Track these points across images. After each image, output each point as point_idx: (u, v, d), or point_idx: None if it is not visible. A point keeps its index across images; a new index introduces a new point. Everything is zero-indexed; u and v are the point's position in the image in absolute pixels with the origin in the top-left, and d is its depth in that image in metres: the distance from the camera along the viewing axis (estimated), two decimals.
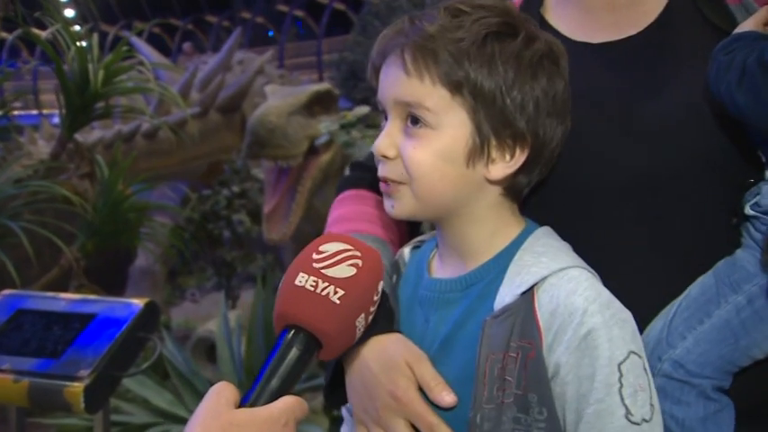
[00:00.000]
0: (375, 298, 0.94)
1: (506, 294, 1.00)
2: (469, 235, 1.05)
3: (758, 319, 1.03)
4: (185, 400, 3.21)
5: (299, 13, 18.37)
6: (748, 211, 1.05)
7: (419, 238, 1.18)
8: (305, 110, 4.06)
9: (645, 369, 0.97)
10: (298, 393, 0.89)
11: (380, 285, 0.95)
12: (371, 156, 1.33)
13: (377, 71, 1.06)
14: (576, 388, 0.96)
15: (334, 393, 1.13)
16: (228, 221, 5.15)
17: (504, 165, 1.01)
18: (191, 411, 3.26)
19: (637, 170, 1.09)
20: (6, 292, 1.86)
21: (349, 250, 0.94)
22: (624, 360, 0.95)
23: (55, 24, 2.92)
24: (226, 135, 5.26)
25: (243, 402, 0.86)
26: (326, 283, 0.90)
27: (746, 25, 1.06)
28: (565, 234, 1.07)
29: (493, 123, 0.99)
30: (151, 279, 4.86)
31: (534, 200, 1.09)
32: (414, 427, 1.03)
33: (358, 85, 9.18)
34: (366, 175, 1.30)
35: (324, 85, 4.52)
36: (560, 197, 1.10)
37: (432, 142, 1.00)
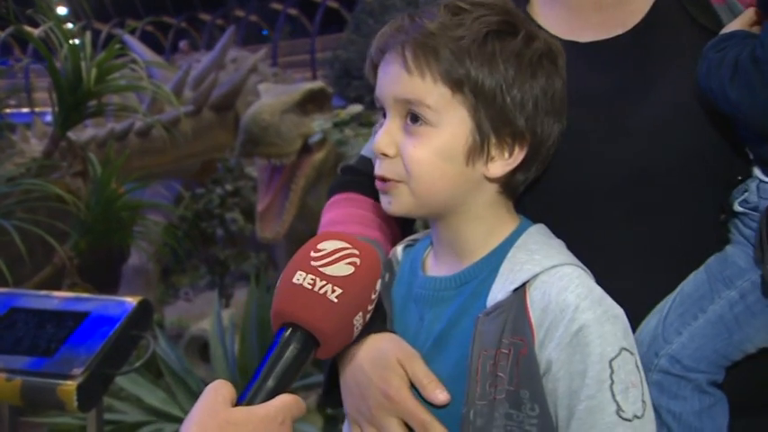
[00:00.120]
0: (373, 296, 0.95)
1: (499, 291, 1.00)
2: (465, 232, 1.05)
3: (750, 314, 1.05)
4: (178, 399, 3.21)
5: (292, 11, 18.34)
6: (737, 207, 1.07)
7: (412, 237, 1.18)
8: (298, 108, 4.05)
9: (637, 366, 0.98)
10: (291, 392, 0.89)
11: (378, 284, 0.95)
12: (361, 158, 1.34)
13: (375, 68, 1.06)
14: (567, 384, 0.96)
15: (332, 394, 1.14)
16: (222, 220, 5.14)
17: (503, 162, 1.02)
18: (184, 410, 3.27)
19: (626, 169, 1.10)
20: None
21: (347, 248, 0.94)
22: (615, 357, 0.96)
23: (47, 22, 2.91)
24: (219, 133, 5.26)
25: (240, 400, 0.86)
26: (324, 282, 0.90)
27: (733, 26, 1.08)
28: (557, 232, 1.07)
29: (493, 121, 1.00)
30: (144, 277, 4.85)
31: (527, 198, 1.10)
32: (407, 425, 1.03)
33: (351, 84, 9.17)
34: (356, 178, 1.30)
35: (317, 84, 4.52)
36: (551, 195, 1.10)
37: (432, 140, 1.00)
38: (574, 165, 1.09)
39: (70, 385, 1.54)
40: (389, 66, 1.03)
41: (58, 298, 1.78)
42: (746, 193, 1.07)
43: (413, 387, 1.04)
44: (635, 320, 1.03)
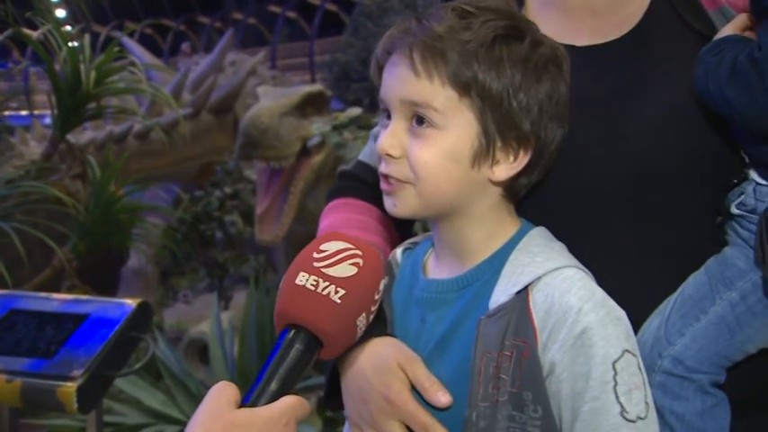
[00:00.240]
0: (376, 297, 0.95)
1: (501, 294, 1.00)
2: (468, 235, 1.06)
3: (751, 315, 1.06)
4: (178, 401, 3.21)
5: (291, 14, 18.35)
6: (734, 210, 1.08)
7: (411, 240, 1.19)
8: (297, 111, 4.06)
9: (639, 367, 0.98)
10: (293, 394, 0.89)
11: (382, 284, 0.95)
12: (359, 163, 1.34)
13: (381, 69, 1.06)
14: (571, 386, 0.97)
15: (333, 397, 1.14)
16: (221, 222, 5.14)
17: (507, 166, 1.02)
18: (183, 412, 3.27)
19: (624, 171, 1.10)
20: None
21: (350, 249, 0.94)
22: (618, 358, 0.96)
23: (46, 25, 2.92)
24: (218, 136, 5.26)
25: (244, 402, 0.86)
26: (327, 283, 0.90)
27: (726, 30, 1.09)
28: (556, 234, 1.08)
29: (499, 125, 1.00)
30: (143, 280, 4.84)
31: (527, 200, 1.10)
32: (409, 429, 1.03)
33: (350, 87, 9.18)
34: (353, 184, 1.31)
35: (316, 87, 4.52)
36: (550, 198, 1.11)
37: (438, 142, 1.00)
38: (572, 168, 1.10)
39: (70, 387, 1.54)
40: (396, 67, 1.03)
41: (58, 300, 1.78)
42: (743, 196, 1.08)
43: (414, 391, 1.04)
44: (635, 321, 1.04)
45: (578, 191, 1.11)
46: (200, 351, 3.99)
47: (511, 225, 1.07)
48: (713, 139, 1.10)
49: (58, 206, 2.95)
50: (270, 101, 4.05)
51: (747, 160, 1.09)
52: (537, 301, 0.99)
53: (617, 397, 0.95)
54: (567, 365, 0.96)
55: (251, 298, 3.58)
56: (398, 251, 1.17)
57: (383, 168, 1.04)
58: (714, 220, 1.12)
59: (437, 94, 1.00)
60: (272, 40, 16.91)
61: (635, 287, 1.08)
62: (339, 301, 0.90)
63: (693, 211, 1.12)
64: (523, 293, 1.00)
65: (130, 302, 1.71)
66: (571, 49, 1.15)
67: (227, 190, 5.20)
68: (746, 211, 1.07)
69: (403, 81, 1.02)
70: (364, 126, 4.07)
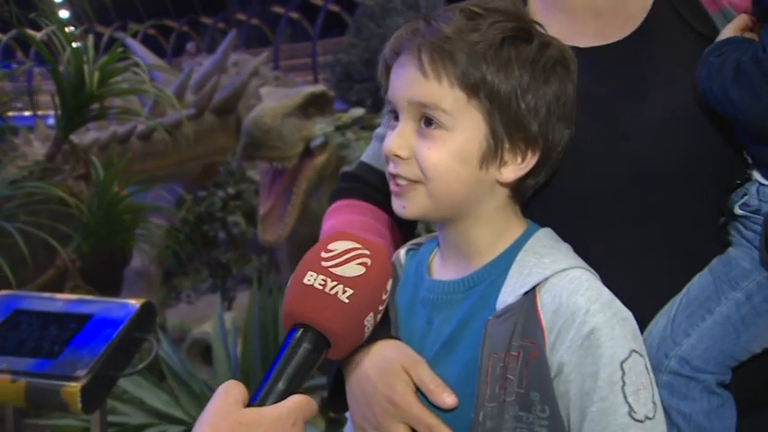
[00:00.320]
0: (384, 297, 0.95)
1: (509, 294, 1.01)
2: (475, 236, 1.06)
3: (756, 315, 1.06)
4: (181, 402, 3.21)
5: (294, 14, 18.36)
6: (738, 210, 1.09)
7: (415, 241, 1.19)
8: (300, 111, 4.06)
9: (646, 368, 0.99)
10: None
11: (389, 284, 0.96)
12: (361, 164, 1.34)
13: (388, 69, 1.06)
14: (579, 386, 0.97)
15: (336, 399, 1.14)
16: (224, 223, 5.15)
17: (515, 167, 1.03)
18: (187, 412, 3.26)
19: (627, 172, 1.11)
20: (3, 292, 1.86)
21: (358, 249, 0.94)
22: (626, 358, 0.97)
23: (50, 25, 2.92)
24: (221, 137, 5.26)
25: (251, 401, 0.86)
26: (335, 282, 0.90)
27: (727, 31, 1.10)
28: (561, 234, 1.08)
29: (507, 126, 1.00)
30: (146, 280, 4.85)
31: (531, 201, 1.10)
32: (413, 430, 1.03)
33: (353, 87, 9.18)
34: (356, 185, 1.31)
35: (319, 87, 4.53)
36: (555, 199, 1.11)
37: (446, 143, 1.01)
38: (575, 168, 1.10)
39: (74, 387, 1.54)
40: (404, 68, 1.03)
41: (62, 300, 1.78)
42: (746, 197, 1.08)
43: (419, 393, 1.04)
44: (639, 321, 1.04)
45: (581, 191, 1.11)
46: (204, 351, 4.00)
47: (517, 226, 1.07)
48: (715, 140, 1.10)
49: (62, 207, 2.96)
50: (273, 101, 4.05)
51: (750, 161, 1.10)
52: (545, 301, 0.99)
53: (625, 397, 0.96)
54: (575, 366, 0.97)
55: (254, 298, 3.58)
56: (402, 252, 1.17)
57: (392, 169, 1.04)
58: (717, 220, 1.12)
59: (446, 95, 1.00)
60: (275, 40, 16.92)
61: (638, 287, 1.09)
62: (347, 301, 0.90)
63: (696, 212, 1.12)
64: (531, 294, 1.00)
65: (134, 303, 1.71)
66: (574, 50, 1.15)
67: (230, 190, 5.20)
68: (750, 212, 1.08)
69: (411, 82, 1.02)
70: (367, 126, 4.08)
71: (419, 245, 1.17)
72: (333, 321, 0.89)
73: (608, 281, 1.02)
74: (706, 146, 1.11)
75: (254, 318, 3.46)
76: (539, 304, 0.99)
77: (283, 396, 0.86)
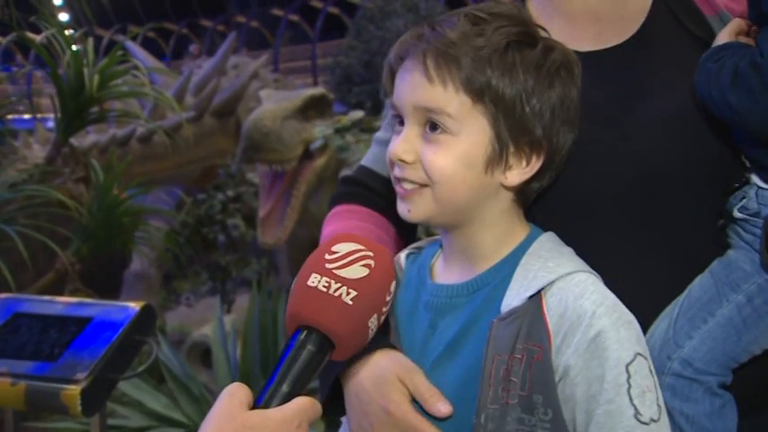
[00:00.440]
0: (388, 298, 0.95)
1: (514, 298, 1.01)
2: (479, 240, 1.06)
3: (757, 317, 1.07)
4: (181, 404, 3.21)
5: (293, 17, 18.37)
6: (737, 214, 1.10)
7: (415, 245, 1.19)
8: (299, 114, 4.06)
9: (650, 370, 0.99)
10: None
11: (393, 286, 0.96)
12: (361, 168, 1.34)
13: (393, 74, 1.07)
14: (585, 389, 0.97)
15: (333, 404, 1.14)
16: (223, 226, 5.15)
17: (520, 171, 1.03)
18: (186, 415, 3.25)
19: (626, 175, 1.11)
20: (3, 295, 1.86)
21: (362, 250, 0.94)
22: (631, 361, 0.97)
23: (50, 28, 2.92)
24: (221, 139, 5.26)
25: (256, 403, 0.87)
26: (339, 284, 0.91)
27: (723, 35, 1.11)
28: (562, 237, 1.09)
29: (512, 131, 1.01)
30: (146, 283, 4.85)
31: (534, 205, 1.11)
32: None
33: (352, 90, 9.18)
34: (355, 190, 1.31)
35: (318, 90, 4.53)
36: (556, 202, 1.11)
37: (452, 148, 1.01)
38: (577, 172, 1.10)
39: (74, 390, 1.54)
40: (409, 73, 1.03)
41: (62, 303, 1.78)
42: (745, 200, 1.09)
43: (416, 402, 1.04)
44: (640, 322, 1.05)
45: (582, 194, 1.12)
46: (203, 354, 4.00)
47: (520, 230, 1.08)
48: (714, 143, 1.11)
49: (61, 210, 2.96)
50: (272, 104, 4.05)
51: (748, 165, 1.10)
52: (551, 305, 1.00)
53: (631, 399, 0.96)
54: (581, 369, 0.97)
55: (253, 301, 3.58)
56: (402, 256, 1.17)
57: (397, 173, 1.05)
58: (715, 222, 1.13)
59: (451, 100, 1.00)
60: (275, 43, 16.93)
61: (639, 289, 1.09)
62: (351, 303, 0.90)
63: (696, 214, 1.13)
64: (536, 298, 1.00)
65: (134, 306, 1.71)
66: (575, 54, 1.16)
67: (230, 193, 5.20)
68: (749, 215, 1.09)
69: (416, 87, 1.02)
70: (366, 129, 4.08)
71: (420, 248, 1.18)
72: (337, 323, 0.90)
73: (609, 283, 1.03)
74: (705, 149, 1.11)
75: (253, 320, 3.46)
76: (545, 308, 1.00)
77: (288, 398, 0.87)
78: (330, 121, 4.16)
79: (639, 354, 0.98)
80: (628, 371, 0.97)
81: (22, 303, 1.78)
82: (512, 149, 1.02)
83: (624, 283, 1.04)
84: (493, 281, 1.05)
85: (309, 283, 0.91)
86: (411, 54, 1.03)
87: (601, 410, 0.96)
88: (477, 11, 1.04)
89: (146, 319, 1.70)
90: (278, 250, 4.66)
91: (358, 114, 4.29)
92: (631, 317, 1.01)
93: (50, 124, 4.19)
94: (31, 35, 3.09)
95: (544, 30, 1.07)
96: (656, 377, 1.00)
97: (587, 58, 1.14)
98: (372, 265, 0.93)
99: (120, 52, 3.06)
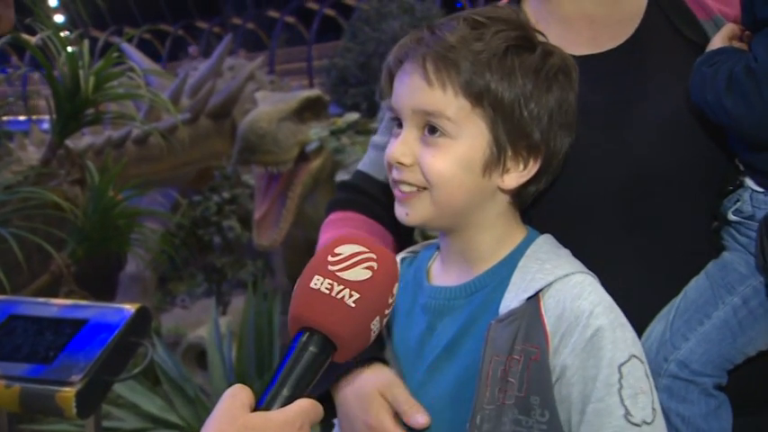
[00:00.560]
0: (390, 301, 0.95)
1: (512, 300, 1.02)
2: (477, 242, 1.07)
3: (753, 319, 1.09)
4: (176, 406, 3.21)
5: (289, 19, 18.37)
6: (731, 216, 1.10)
7: (410, 249, 1.20)
8: (295, 116, 4.06)
9: (646, 374, 1.00)
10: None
11: (396, 288, 0.96)
12: (358, 173, 1.35)
13: (392, 78, 1.07)
14: (581, 389, 0.98)
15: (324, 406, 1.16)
16: (219, 227, 5.14)
17: (517, 174, 1.04)
18: (181, 417, 3.25)
19: (621, 178, 1.12)
20: None
21: (364, 252, 0.94)
22: (625, 362, 0.98)
23: (45, 30, 2.92)
24: (216, 141, 5.26)
25: (258, 405, 0.87)
26: (342, 286, 0.91)
27: (716, 40, 1.12)
28: (559, 239, 1.10)
29: (510, 134, 1.02)
30: (141, 285, 4.84)
31: (530, 208, 1.11)
32: None
33: (348, 92, 9.17)
34: (352, 196, 1.32)
35: (314, 92, 4.53)
36: (553, 206, 1.12)
37: (450, 151, 1.02)
38: (573, 175, 1.11)
39: (69, 392, 1.54)
40: (408, 76, 1.04)
41: (57, 305, 1.78)
42: (739, 203, 1.10)
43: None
44: (636, 323, 1.05)
45: (578, 198, 1.13)
46: (199, 356, 3.99)
47: (517, 232, 1.08)
48: (708, 147, 1.12)
49: (57, 211, 2.95)
50: (268, 106, 4.05)
51: (742, 168, 1.11)
52: (548, 306, 1.00)
53: (621, 400, 0.97)
54: (577, 369, 0.98)
55: (249, 303, 3.58)
56: (397, 259, 1.17)
57: (396, 175, 1.05)
58: (710, 225, 1.14)
59: (450, 103, 1.01)
60: (271, 45, 16.92)
61: (635, 291, 1.11)
62: (353, 305, 0.90)
63: (690, 217, 1.14)
64: (534, 299, 1.01)
65: (129, 308, 1.71)
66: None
67: (226, 195, 5.19)
68: (744, 218, 1.10)
69: (415, 90, 1.03)
70: (362, 131, 4.08)
71: (415, 252, 1.18)
72: (339, 325, 0.90)
73: (605, 284, 1.04)
74: (700, 152, 1.12)
75: (249, 322, 3.46)
76: (543, 309, 1.00)
77: (290, 400, 0.87)
78: (326, 123, 4.16)
79: (635, 356, 0.99)
80: (620, 371, 0.97)
81: (17, 305, 1.78)
82: (510, 153, 1.02)
83: (621, 285, 1.05)
84: (491, 283, 1.05)
85: (312, 285, 0.91)
86: (410, 57, 1.04)
87: (590, 408, 0.97)
88: (476, 15, 1.04)
89: (141, 321, 1.70)
90: (273, 252, 4.66)
91: (354, 116, 4.29)
92: (626, 320, 1.01)
93: (45, 126, 4.18)
94: (26, 37, 3.08)
95: (542, 34, 1.08)
96: (652, 382, 1.00)
97: (582, 62, 1.15)
98: (375, 268, 0.93)
99: (115, 54, 3.06)
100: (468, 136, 1.01)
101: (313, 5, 17.53)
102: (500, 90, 1.00)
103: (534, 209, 1.12)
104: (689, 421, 1.09)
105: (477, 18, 1.04)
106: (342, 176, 3.84)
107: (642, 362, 1.00)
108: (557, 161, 1.07)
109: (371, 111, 7.02)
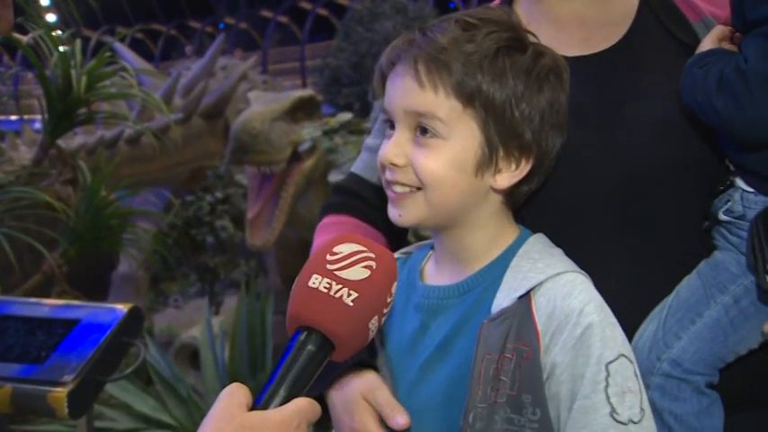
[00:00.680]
0: (389, 300, 0.95)
1: (504, 299, 1.02)
2: (469, 241, 1.07)
3: (744, 318, 1.09)
4: (168, 406, 3.20)
5: (282, 18, 18.36)
6: (722, 216, 1.11)
7: (404, 250, 1.20)
8: (288, 116, 4.06)
9: (635, 374, 1.00)
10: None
11: (394, 287, 0.96)
12: (352, 176, 1.35)
13: (384, 79, 1.08)
14: (569, 387, 0.98)
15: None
16: (212, 227, 5.13)
17: (509, 174, 1.04)
18: (174, 417, 3.25)
19: (613, 178, 1.13)
20: None
21: (363, 252, 0.94)
22: (613, 360, 0.98)
23: (37, 29, 2.91)
24: (209, 141, 5.25)
25: (255, 404, 0.87)
26: (340, 285, 0.91)
27: (707, 42, 1.12)
28: (552, 239, 1.10)
29: (501, 135, 1.02)
30: (134, 285, 4.83)
31: (523, 208, 1.12)
32: None
33: (341, 92, 9.17)
34: (345, 200, 1.32)
35: (307, 92, 4.53)
36: (545, 205, 1.12)
37: (442, 152, 1.02)
38: (565, 175, 1.11)
39: (61, 392, 1.53)
40: (400, 78, 1.05)
41: (49, 305, 1.77)
42: (730, 203, 1.11)
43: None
44: (628, 322, 1.06)
45: (570, 197, 1.13)
46: (191, 356, 3.99)
47: (510, 231, 1.09)
48: (699, 147, 1.13)
49: (49, 211, 2.94)
50: (261, 106, 4.05)
51: (733, 168, 1.11)
52: (539, 305, 1.01)
53: (608, 397, 0.97)
54: (567, 366, 0.98)
55: (242, 303, 3.57)
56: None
57: (388, 176, 1.06)
58: (700, 225, 1.14)
59: (441, 104, 1.01)
60: (264, 44, 16.91)
61: (628, 290, 1.11)
62: (352, 304, 0.90)
63: (681, 217, 1.14)
64: (525, 298, 1.01)
65: (121, 308, 1.70)
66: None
67: (218, 195, 5.19)
68: (735, 218, 1.11)
69: (407, 92, 1.03)
70: (355, 131, 4.08)
71: (408, 254, 1.19)
72: (337, 324, 0.90)
73: (598, 284, 1.04)
74: (690, 153, 1.13)
75: (241, 322, 3.46)
76: (534, 308, 1.01)
77: (287, 399, 0.87)
78: (319, 123, 4.16)
79: (624, 355, 0.99)
80: (607, 369, 0.97)
81: (9, 306, 1.77)
82: (501, 153, 1.03)
83: (613, 285, 1.06)
84: (484, 282, 1.06)
85: (310, 284, 0.91)
86: (402, 59, 1.05)
87: (576, 405, 0.98)
88: (467, 16, 1.05)
89: (133, 321, 1.70)
90: (266, 252, 4.65)
91: (346, 116, 4.30)
92: (616, 320, 1.02)
93: (37, 125, 4.17)
94: (18, 36, 3.07)
95: (534, 35, 1.08)
96: (641, 382, 1.00)
97: (574, 62, 1.15)
98: (374, 267, 0.93)
99: (108, 53, 3.05)
100: (460, 137, 1.02)
101: (306, 5, 17.52)
102: (491, 91, 1.01)
103: (527, 209, 1.12)
104: (681, 419, 1.09)
105: (468, 20, 1.04)
106: (335, 176, 3.84)
107: (631, 362, 1.00)
108: (548, 161, 1.07)
109: (364, 111, 7.02)
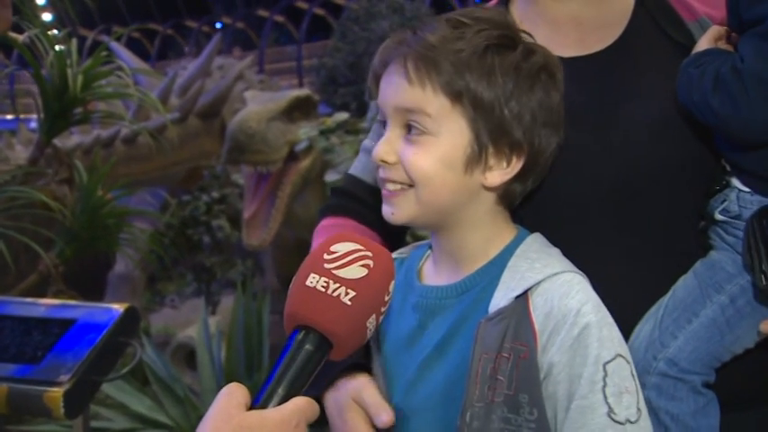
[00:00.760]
0: (386, 298, 0.95)
1: (501, 298, 1.02)
2: (465, 241, 1.07)
3: (740, 317, 1.09)
4: (165, 406, 3.20)
5: (279, 18, 18.36)
6: (718, 216, 1.11)
7: (401, 251, 1.20)
8: (285, 115, 4.06)
9: (632, 374, 1.00)
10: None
11: (392, 286, 0.96)
12: (349, 177, 1.35)
13: (377, 79, 1.08)
14: (567, 387, 0.98)
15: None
16: (208, 227, 5.13)
17: (500, 172, 1.04)
18: (170, 417, 3.24)
19: (610, 179, 1.13)
20: None
21: (360, 250, 0.94)
22: (610, 360, 0.98)
23: (33, 29, 2.90)
24: (205, 140, 5.24)
25: (254, 404, 0.87)
26: (338, 284, 0.91)
27: (702, 43, 1.13)
28: (549, 239, 1.10)
29: (491, 132, 1.02)
30: (130, 285, 4.82)
31: (520, 208, 1.12)
32: None
33: (338, 91, 9.18)
34: (343, 202, 1.33)
35: (303, 91, 4.52)
36: (543, 207, 1.13)
37: (431, 149, 1.02)
38: (562, 176, 1.12)
39: (57, 392, 1.53)
40: (391, 77, 1.05)
41: (45, 305, 1.77)
42: (726, 203, 1.12)
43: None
44: (625, 322, 1.06)
45: (566, 198, 1.14)
46: (188, 356, 3.98)
47: (507, 232, 1.09)
48: (695, 147, 1.13)
49: (45, 211, 2.93)
50: (257, 105, 4.04)
51: (729, 168, 1.12)
52: (537, 305, 1.01)
53: (605, 397, 0.97)
54: (564, 366, 0.98)
55: (238, 302, 3.57)
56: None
57: (381, 174, 1.06)
58: (696, 224, 1.15)
59: (430, 101, 1.02)
60: (260, 44, 16.91)
61: (624, 290, 1.11)
62: (349, 303, 0.90)
63: (678, 216, 1.15)
64: (523, 298, 1.02)
65: (118, 307, 1.70)
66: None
67: (215, 194, 5.19)
68: (731, 218, 1.11)
69: (397, 89, 1.04)
70: (351, 131, 4.08)
71: (406, 254, 1.19)
72: (335, 323, 0.90)
73: (595, 284, 1.04)
74: (687, 152, 1.13)
75: (238, 322, 3.46)
76: (531, 307, 1.01)
77: (286, 398, 0.87)
78: (315, 123, 4.16)
79: (621, 355, 0.99)
80: (605, 369, 0.98)
81: (5, 305, 1.77)
82: (491, 150, 1.03)
83: (610, 285, 1.06)
84: (481, 282, 1.06)
85: (308, 283, 0.91)
86: (393, 58, 1.05)
87: (574, 405, 0.98)
88: (459, 16, 1.05)
89: (130, 321, 1.70)
90: (263, 252, 4.65)
91: (343, 116, 4.30)
92: (613, 320, 1.02)
93: (33, 125, 4.16)
94: (13, 35, 3.06)
95: (529, 34, 1.08)
96: (638, 382, 1.01)
97: (570, 63, 1.15)
98: (371, 266, 0.93)
99: (104, 53, 3.04)
100: (449, 134, 1.02)
101: (302, 5, 17.53)
102: (480, 89, 1.01)
103: (524, 209, 1.12)
104: (678, 419, 1.10)
105: (459, 18, 1.05)
106: (331, 176, 3.84)
107: (628, 362, 1.00)
108: (543, 160, 1.07)
109: (361, 110, 7.03)
